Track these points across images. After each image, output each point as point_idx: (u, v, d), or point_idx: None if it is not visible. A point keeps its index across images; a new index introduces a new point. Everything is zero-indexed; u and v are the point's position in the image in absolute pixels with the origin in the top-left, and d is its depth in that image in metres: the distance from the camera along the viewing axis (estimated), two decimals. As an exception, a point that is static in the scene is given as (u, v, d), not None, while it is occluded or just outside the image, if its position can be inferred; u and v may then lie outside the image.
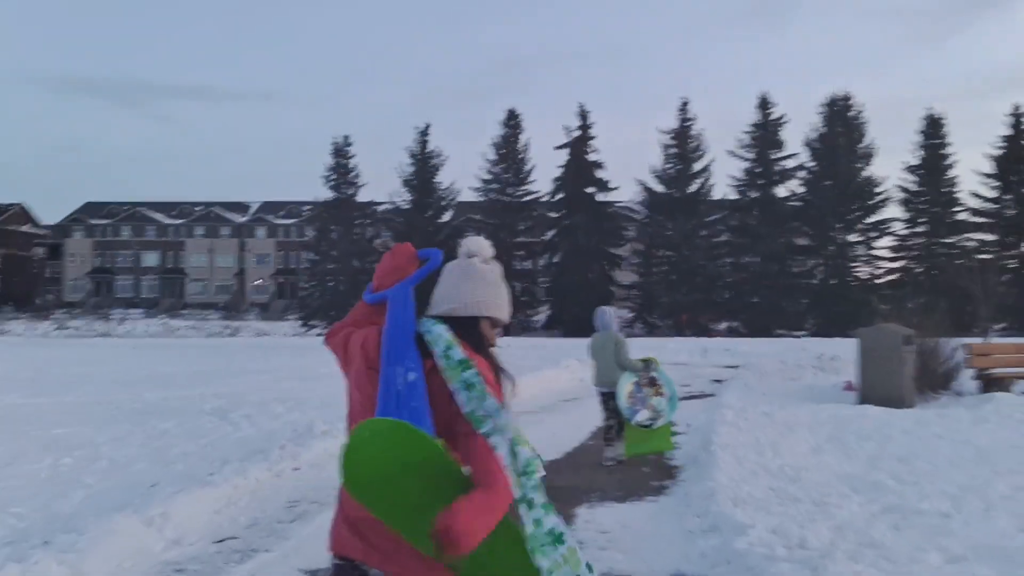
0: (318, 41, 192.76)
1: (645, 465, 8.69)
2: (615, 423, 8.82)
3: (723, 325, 48.78)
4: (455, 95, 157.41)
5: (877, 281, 49.72)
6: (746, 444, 8.62)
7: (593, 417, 12.11)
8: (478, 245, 2.38)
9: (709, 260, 50.02)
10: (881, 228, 50.10)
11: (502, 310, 2.33)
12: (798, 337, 42.82)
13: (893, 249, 50.76)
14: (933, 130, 50.32)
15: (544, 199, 52.04)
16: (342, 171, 53.36)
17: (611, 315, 9.23)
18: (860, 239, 50.09)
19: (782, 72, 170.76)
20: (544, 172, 52.67)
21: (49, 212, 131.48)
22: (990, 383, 14.23)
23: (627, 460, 8.82)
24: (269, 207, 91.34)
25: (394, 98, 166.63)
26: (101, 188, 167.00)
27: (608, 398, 8.87)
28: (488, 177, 51.77)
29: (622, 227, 52.13)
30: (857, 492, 6.55)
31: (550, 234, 51.96)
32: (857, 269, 50.00)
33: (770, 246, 48.50)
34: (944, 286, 40.98)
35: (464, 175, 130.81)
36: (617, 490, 7.46)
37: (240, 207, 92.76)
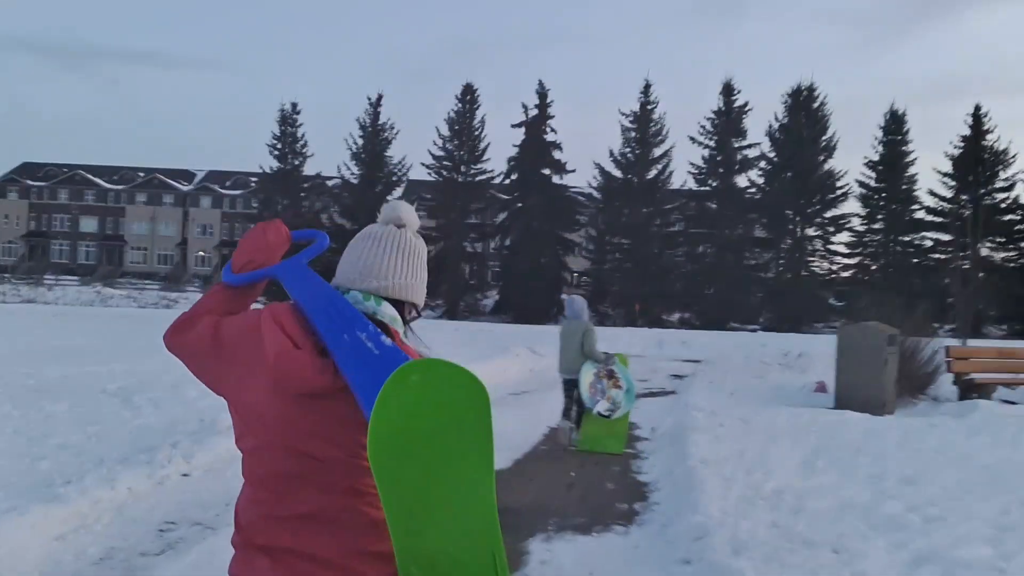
0: (271, 9, 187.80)
1: (610, 480, 7.37)
2: (576, 409, 9.01)
3: (676, 316, 47.96)
4: (410, 71, 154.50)
5: (833, 277, 49.30)
6: (728, 458, 7.35)
7: (547, 415, 10.80)
8: (409, 213, 1.88)
9: (664, 249, 49.10)
10: (839, 223, 49.63)
11: (423, 298, 1.88)
12: (753, 331, 42.15)
13: (850, 245, 50.38)
14: (895, 126, 49.95)
15: (498, 179, 50.60)
16: (288, 140, 51.22)
17: (581, 304, 9.31)
18: (818, 233, 49.62)
19: (747, 60, 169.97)
20: (499, 151, 51.60)
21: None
22: (969, 388, 13.26)
23: (585, 466, 7.66)
24: (215, 176, 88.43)
25: (346, 73, 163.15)
26: (39, 150, 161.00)
27: (571, 385, 8.99)
28: (441, 154, 50.08)
29: (577, 212, 50.93)
30: (876, 531, 5.30)
31: (502, 216, 50.56)
32: (813, 264, 49.55)
33: (727, 237, 47.79)
34: (902, 284, 40.63)
35: (416, 152, 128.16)
36: (578, 514, 6.12)
37: (185, 175, 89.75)
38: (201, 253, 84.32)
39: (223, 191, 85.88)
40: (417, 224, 1.88)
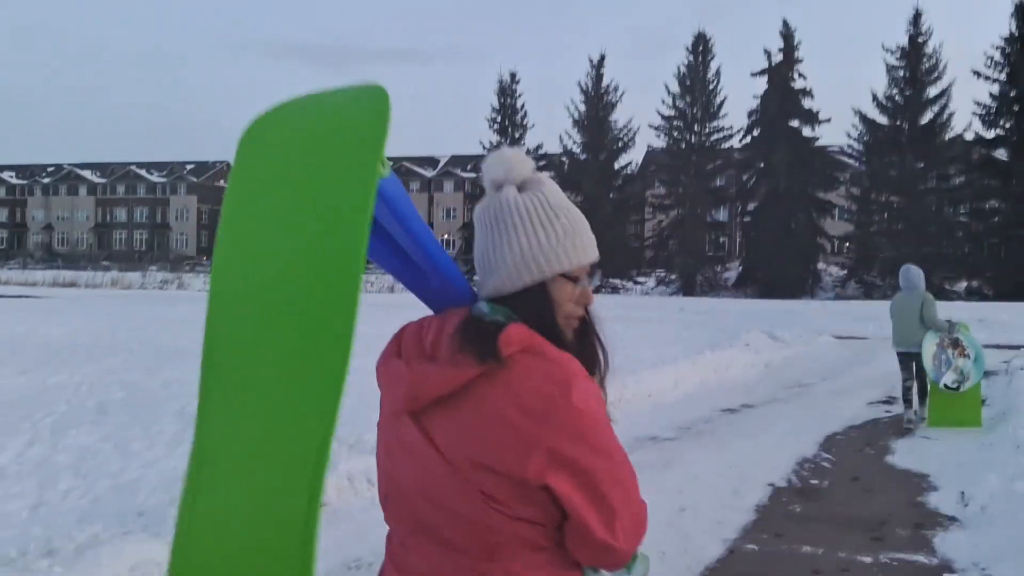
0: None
1: None
2: (915, 384, 8.69)
3: (962, 286, 40.17)
4: (635, 28, 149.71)
5: None
6: None
7: (775, 459, 6.66)
8: (506, 163, 1.41)
9: (944, 206, 41.41)
10: None
11: (576, 252, 1.39)
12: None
13: None
14: None
15: (737, 136, 45.16)
16: (508, 112, 48.89)
17: (917, 273, 8.75)
18: None
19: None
20: (738, 105, 46.12)
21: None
22: None
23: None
24: (457, 161, 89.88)
25: (567, 40, 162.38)
26: None
27: (908, 360, 8.71)
28: (671, 113, 45.33)
29: (834, 167, 44.23)
30: None
31: (745, 177, 45.03)
32: None
33: (1026, 187, 39.39)
34: None
35: (644, 114, 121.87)
36: None
37: (430, 162, 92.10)
38: (446, 236, 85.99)
39: (464, 174, 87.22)
40: (520, 171, 1.40)
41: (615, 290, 44.53)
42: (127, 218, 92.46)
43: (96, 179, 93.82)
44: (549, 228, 1.35)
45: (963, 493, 5.67)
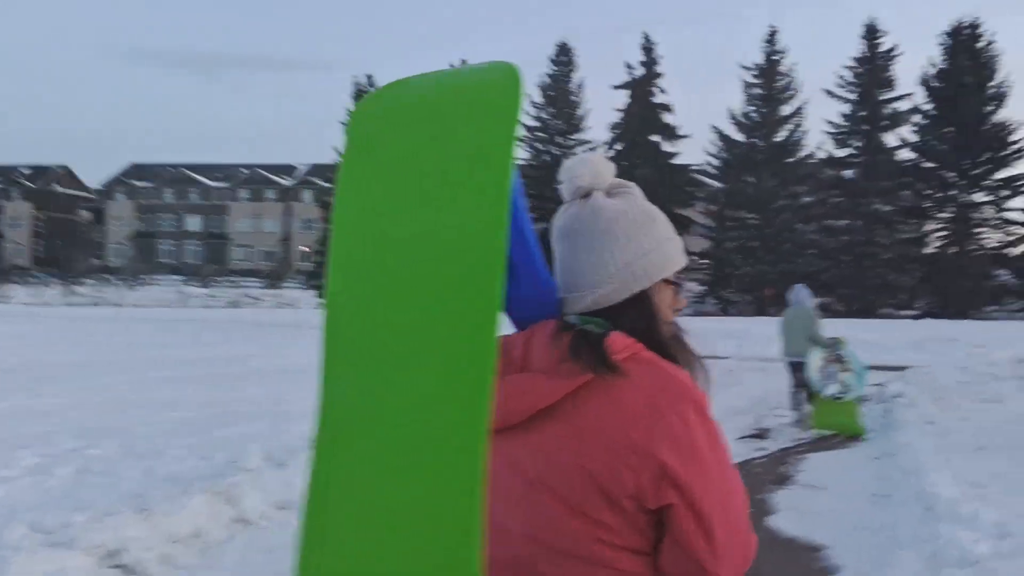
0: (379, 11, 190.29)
1: None
2: (803, 390, 9.19)
3: (815, 303, 40.85)
4: (500, 33, 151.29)
5: (1010, 250, 40.78)
6: None
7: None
8: (592, 168, 1.38)
9: (798, 224, 42.13)
10: (1015, 186, 41.08)
11: (678, 255, 1.36)
12: (911, 318, 34.90)
13: (1028, 210, 41.79)
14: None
15: (600, 150, 44.66)
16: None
17: (805, 292, 9.62)
18: (988, 199, 41.16)
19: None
20: (601, 118, 46.21)
21: (96, 174, 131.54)
22: None
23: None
24: (318, 170, 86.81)
25: (428, 45, 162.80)
26: (149, 152, 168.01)
27: (796, 367, 9.26)
28: (534, 124, 44.44)
29: (692, 183, 44.34)
30: None
31: (607, 191, 44.75)
32: (984, 236, 41.19)
33: (874, 207, 40.40)
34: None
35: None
36: None
37: (287, 170, 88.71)
38: (304, 248, 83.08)
39: (325, 185, 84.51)
40: (606, 177, 1.37)
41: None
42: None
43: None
44: (651, 232, 1.31)
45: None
